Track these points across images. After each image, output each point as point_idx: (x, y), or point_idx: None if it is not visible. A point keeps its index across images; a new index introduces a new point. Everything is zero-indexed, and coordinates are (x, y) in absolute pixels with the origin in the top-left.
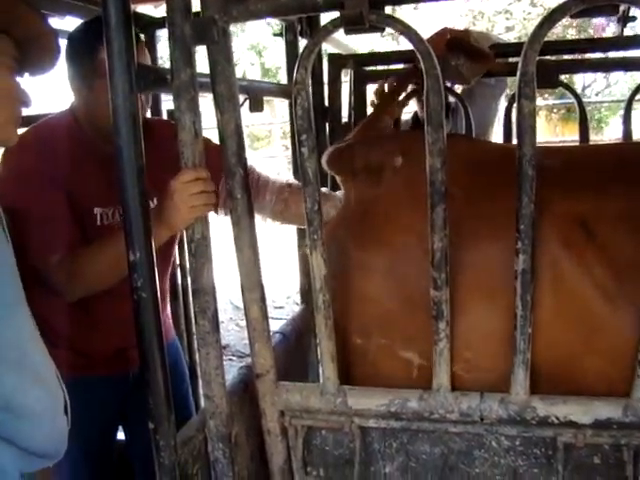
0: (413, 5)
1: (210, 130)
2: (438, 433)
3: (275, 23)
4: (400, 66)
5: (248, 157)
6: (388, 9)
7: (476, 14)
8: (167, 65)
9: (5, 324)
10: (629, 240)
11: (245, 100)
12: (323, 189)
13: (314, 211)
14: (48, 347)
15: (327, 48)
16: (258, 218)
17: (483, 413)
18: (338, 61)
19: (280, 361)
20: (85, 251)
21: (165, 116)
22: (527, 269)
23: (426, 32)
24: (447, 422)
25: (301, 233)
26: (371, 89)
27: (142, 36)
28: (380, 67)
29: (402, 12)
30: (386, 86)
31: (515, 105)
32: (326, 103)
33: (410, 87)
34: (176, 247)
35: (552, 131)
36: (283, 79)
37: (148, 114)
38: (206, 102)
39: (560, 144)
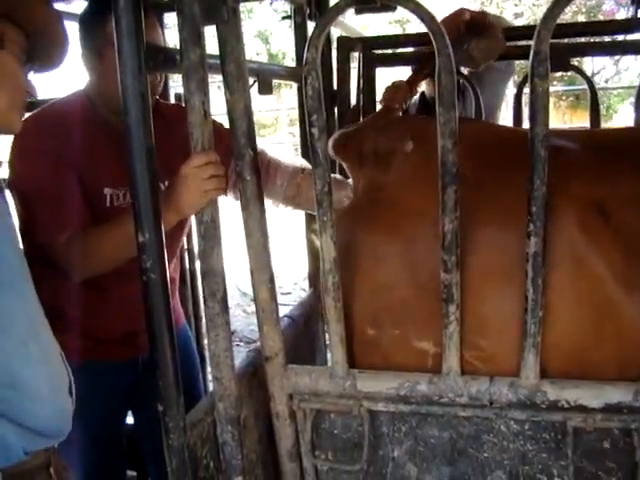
0: None
1: (219, 116)
2: (447, 417)
3: (283, 9)
4: (409, 49)
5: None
6: None
7: (484, 0)
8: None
9: (14, 300)
10: None
11: (254, 82)
12: (337, 176)
13: (324, 192)
14: (57, 331)
15: (335, 33)
16: (269, 204)
17: (492, 397)
18: (347, 44)
19: (288, 345)
20: (93, 231)
21: (173, 100)
22: (539, 252)
23: (437, 14)
24: (456, 406)
25: (309, 218)
26: (380, 72)
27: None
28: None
29: None
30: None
31: (527, 86)
32: (334, 87)
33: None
34: (185, 232)
35: (560, 118)
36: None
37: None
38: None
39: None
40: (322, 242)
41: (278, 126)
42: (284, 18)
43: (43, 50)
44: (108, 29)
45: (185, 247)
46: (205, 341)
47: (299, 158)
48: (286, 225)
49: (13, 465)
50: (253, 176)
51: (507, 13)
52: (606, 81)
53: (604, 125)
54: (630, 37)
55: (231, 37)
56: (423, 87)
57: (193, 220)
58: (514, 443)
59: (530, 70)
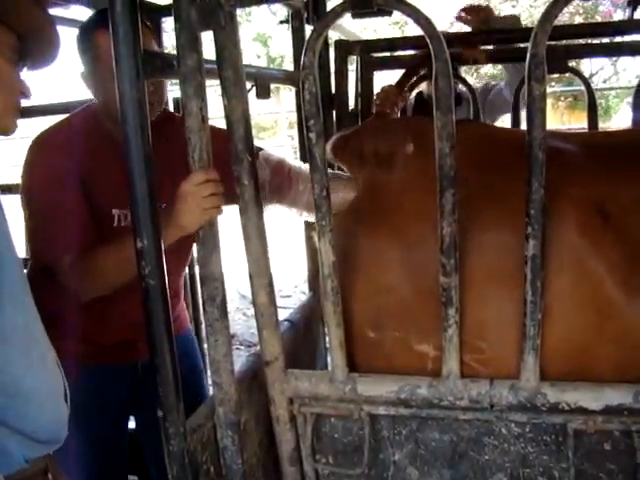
0: None
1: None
2: (447, 420)
3: (281, 12)
4: (407, 52)
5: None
6: None
7: (482, 1)
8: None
9: (14, 307)
10: None
11: (252, 87)
12: (341, 174)
13: (322, 197)
14: (59, 336)
15: (333, 36)
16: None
17: (493, 400)
18: (345, 47)
19: (288, 349)
20: (96, 251)
21: (171, 104)
22: (537, 254)
23: (434, 17)
24: (457, 409)
25: (308, 222)
26: (378, 76)
27: (148, 24)
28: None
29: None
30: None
31: (524, 89)
32: (332, 90)
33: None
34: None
35: (559, 119)
36: (289, 68)
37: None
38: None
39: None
40: (321, 246)
41: (277, 129)
42: (282, 22)
43: (35, 49)
44: (97, 44)
45: None
46: (205, 345)
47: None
48: (286, 227)
49: (14, 472)
50: (251, 180)
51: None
52: (604, 81)
53: (603, 125)
54: (627, 38)
55: (228, 42)
56: (422, 87)
57: None
58: (515, 445)
59: (527, 73)
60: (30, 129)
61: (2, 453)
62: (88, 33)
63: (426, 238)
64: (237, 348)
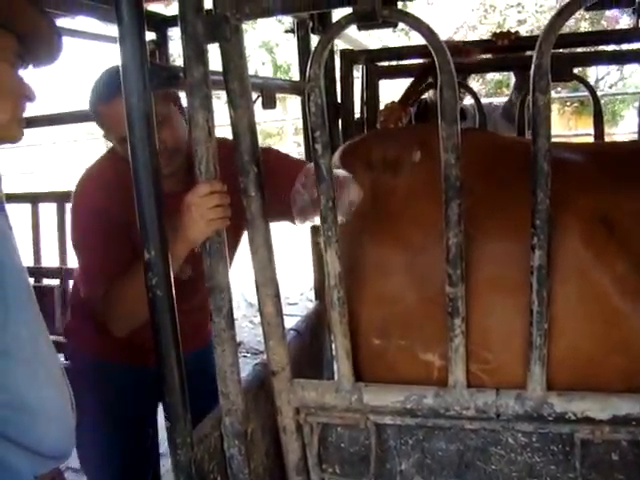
0: (426, 0)
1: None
2: (454, 430)
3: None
4: (412, 61)
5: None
6: (400, 4)
7: (488, 7)
8: (178, 63)
9: (19, 321)
10: None
11: (258, 97)
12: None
13: (328, 208)
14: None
15: (338, 44)
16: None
17: (499, 409)
18: (350, 57)
19: (295, 358)
20: (117, 282)
21: None
22: (543, 264)
23: (439, 27)
24: (463, 419)
25: (314, 229)
26: (383, 85)
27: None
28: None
29: (415, 7)
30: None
31: (529, 99)
32: (338, 99)
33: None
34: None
35: (565, 125)
36: (295, 76)
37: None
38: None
39: (574, 138)
40: (327, 257)
41: (283, 135)
42: (287, 32)
43: (36, 48)
44: (102, 114)
45: None
46: None
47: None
48: (292, 235)
49: None
50: (258, 192)
51: (510, 20)
52: (610, 87)
53: (609, 131)
54: (633, 46)
55: (234, 54)
56: (426, 94)
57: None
58: (522, 455)
59: (532, 84)
60: (37, 137)
61: (11, 470)
62: (94, 107)
63: (433, 247)
64: (244, 356)
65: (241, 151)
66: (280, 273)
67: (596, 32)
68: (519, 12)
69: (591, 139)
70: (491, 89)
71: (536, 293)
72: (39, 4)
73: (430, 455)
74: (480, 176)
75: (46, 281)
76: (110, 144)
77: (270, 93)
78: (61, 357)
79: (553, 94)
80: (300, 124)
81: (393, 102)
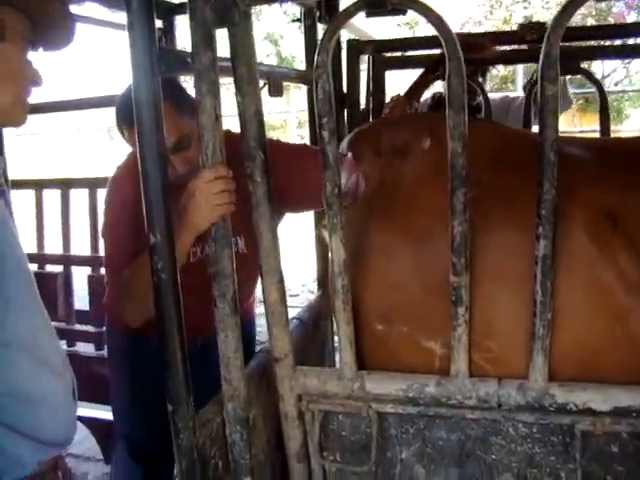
0: None
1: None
2: (455, 419)
3: (292, 11)
4: (419, 52)
5: None
6: None
7: (494, 3)
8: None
9: (18, 312)
10: None
11: (265, 85)
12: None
13: (334, 195)
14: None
15: (345, 35)
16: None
17: (501, 399)
18: (356, 47)
19: (297, 347)
20: (130, 274)
21: None
22: (548, 255)
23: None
24: (464, 408)
25: (318, 219)
26: (389, 75)
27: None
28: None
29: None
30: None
31: (537, 89)
32: (344, 89)
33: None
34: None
35: (570, 121)
36: (300, 68)
37: None
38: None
39: (578, 135)
40: (332, 244)
41: (287, 128)
42: (294, 21)
43: (48, 33)
44: (124, 132)
45: None
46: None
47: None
48: (294, 226)
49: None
50: (264, 178)
51: (517, 16)
52: (616, 84)
53: (615, 128)
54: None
55: (243, 39)
56: (437, 88)
57: None
58: (522, 446)
59: (540, 74)
60: (41, 125)
61: (16, 461)
62: (119, 123)
63: (439, 235)
64: None
65: (248, 137)
66: (282, 264)
67: (603, 26)
68: (525, 8)
69: (597, 136)
70: (496, 84)
71: (540, 283)
72: None
73: (431, 444)
74: (487, 166)
75: (49, 267)
76: None
77: (277, 81)
78: (63, 344)
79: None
80: (304, 117)
81: (399, 95)
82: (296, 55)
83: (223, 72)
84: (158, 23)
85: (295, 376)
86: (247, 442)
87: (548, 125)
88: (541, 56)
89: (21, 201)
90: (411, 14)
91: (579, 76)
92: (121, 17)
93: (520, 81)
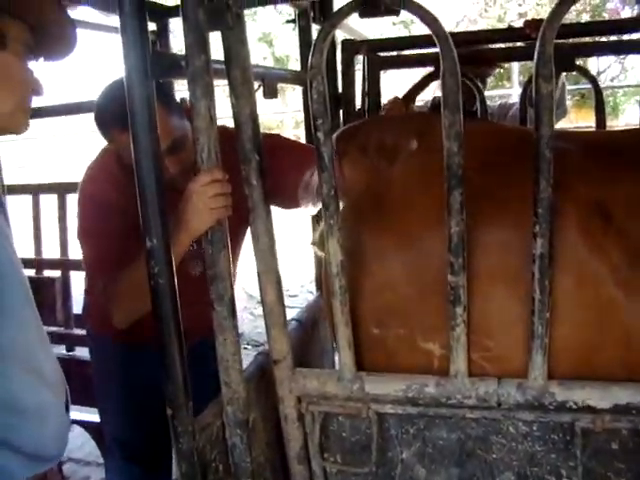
0: None
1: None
2: (455, 419)
3: (286, 10)
4: (413, 51)
5: None
6: None
7: (488, 1)
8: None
9: (12, 324)
10: None
11: (259, 87)
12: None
13: (330, 196)
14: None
15: (339, 35)
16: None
17: (500, 398)
18: (351, 47)
19: (296, 348)
20: (122, 274)
21: None
22: (545, 253)
23: (441, 16)
24: (464, 408)
25: (315, 220)
26: (385, 75)
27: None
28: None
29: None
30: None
31: (532, 87)
32: (339, 90)
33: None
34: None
35: (566, 118)
36: (293, 67)
37: None
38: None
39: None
40: (329, 245)
41: (283, 128)
42: (288, 22)
43: (49, 42)
44: (115, 139)
45: None
46: None
47: None
48: (292, 227)
49: None
50: (259, 180)
51: (511, 13)
52: (612, 80)
53: (611, 124)
54: (635, 36)
55: (236, 42)
56: (437, 92)
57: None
58: (522, 444)
59: (535, 72)
60: (36, 130)
61: (4, 474)
62: (107, 126)
63: (427, 235)
64: (244, 347)
65: (243, 140)
66: (281, 265)
67: (597, 22)
68: (520, 5)
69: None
70: (492, 82)
71: (538, 282)
72: None
73: (431, 444)
74: (479, 164)
75: (47, 272)
76: None
77: (271, 82)
78: (62, 349)
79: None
80: (300, 117)
81: (396, 97)
82: (290, 54)
83: (217, 74)
84: (152, 26)
85: (294, 378)
86: (247, 445)
87: (544, 122)
88: (535, 54)
89: (17, 206)
90: (406, 13)
91: (574, 72)
92: (114, 20)
93: (516, 78)
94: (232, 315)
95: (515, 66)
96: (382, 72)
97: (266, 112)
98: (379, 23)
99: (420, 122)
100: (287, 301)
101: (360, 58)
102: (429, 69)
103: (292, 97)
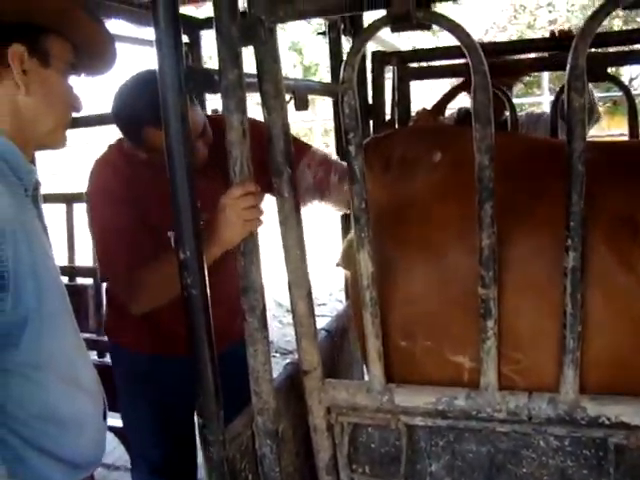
0: None
1: None
2: (485, 432)
3: (316, 21)
4: (444, 62)
5: None
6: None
7: (517, 7)
8: (211, 65)
9: (51, 333)
10: None
11: (290, 99)
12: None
13: (361, 209)
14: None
15: (368, 45)
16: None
17: (531, 412)
18: (382, 58)
19: (326, 358)
20: (144, 268)
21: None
22: (577, 267)
23: (469, 25)
24: (494, 421)
25: (345, 227)
26: (415, 86)
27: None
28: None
29: (442, 6)
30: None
31: (564, 99)
32: (369, 100)
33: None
34: None
35: (597, 125)
36: (322, 75)
37: None
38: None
39: (607, 139)
40: (360, 257)
41: (312, 136)
42: (319, 34)
43: (91, 59)
44: (148, 137)
45: None
46: None
47: None
48: (321, 235)
49: None
50: (291, 193)
51: (541, 20)
52: None
53: None
54: None
55: (268, 57)
56: (465, 103)
57: None
58: (554, 459)
59: (567, 85)
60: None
61: None
62: (138, 124)
63: (454, 248)
64: (273, 356)
65: (275, 153)
66: (310, 274)
67: (630, 31)
68: (550, 12)
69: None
70: (521, 89)
71: (570, 296)
72: (95, 13)
73: (460, 457)
74: (507, 177)
75: (80, 280)
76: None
77: (302, 95)
78: (94, 355)
79: None
80: (329, 125)
81: (425, 109)
82: (319, 62)
83: (250, 88)
84: (184, 38)
85: (324, 389)
86: (277, 455)
87: (576, 136)
88: (568, 67)
89: (51, 214)
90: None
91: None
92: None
93: (546, 85)
94: (264, 326)
95: (545, 73)
96: (412, 82)
97: (295, 120)
98: (407, 32)
99: (444, 135)
100: (316, 310)
101: (390, 68)
102: (459, 79)
103: (321, 105)
